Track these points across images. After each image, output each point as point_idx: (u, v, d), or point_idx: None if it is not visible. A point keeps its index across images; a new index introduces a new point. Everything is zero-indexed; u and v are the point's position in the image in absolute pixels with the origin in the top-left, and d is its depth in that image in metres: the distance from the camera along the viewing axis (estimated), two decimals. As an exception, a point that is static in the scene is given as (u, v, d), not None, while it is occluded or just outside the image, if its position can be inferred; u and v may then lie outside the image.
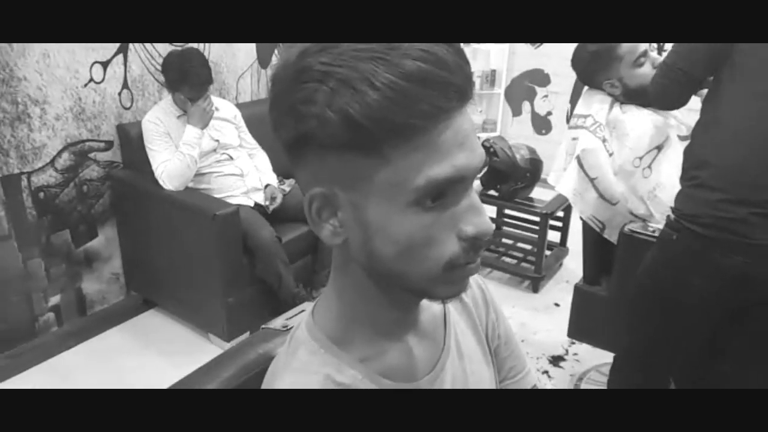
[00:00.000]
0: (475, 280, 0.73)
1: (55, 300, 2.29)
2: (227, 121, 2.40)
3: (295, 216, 2.42)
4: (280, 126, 0.50)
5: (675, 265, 1.25)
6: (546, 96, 3.98)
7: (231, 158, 2.36)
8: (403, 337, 0.60)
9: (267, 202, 2.37)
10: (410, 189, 0.47)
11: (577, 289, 1.78)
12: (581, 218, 1.67)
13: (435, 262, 0.50)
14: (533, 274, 2.66)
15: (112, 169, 2.35)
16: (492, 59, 4.05)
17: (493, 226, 0.52)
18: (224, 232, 2.09)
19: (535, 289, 2.68)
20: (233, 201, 2.25)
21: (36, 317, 2.24)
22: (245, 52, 2.83)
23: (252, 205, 2.33)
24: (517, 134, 4.06)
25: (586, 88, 1.74)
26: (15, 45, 1.97)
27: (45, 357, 2.22)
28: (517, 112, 4.15)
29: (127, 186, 2.32)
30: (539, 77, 3.97)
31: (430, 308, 0.65)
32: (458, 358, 0.65)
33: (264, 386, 0.60)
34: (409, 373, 0.60)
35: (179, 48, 2.28)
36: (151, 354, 2.26)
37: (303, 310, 0.77)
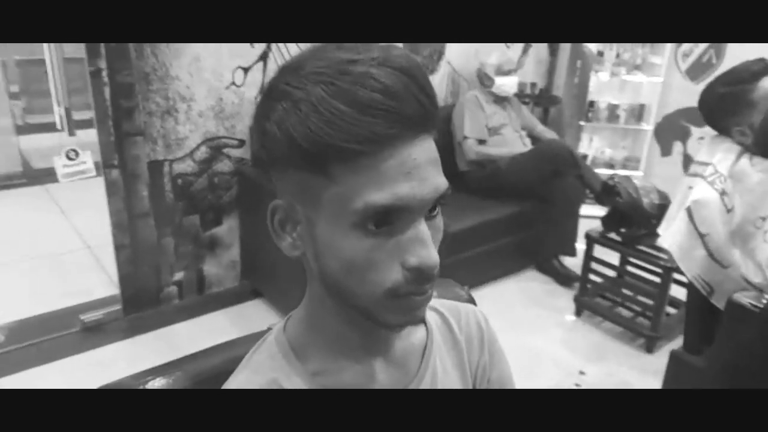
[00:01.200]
0: (476, 318, 0.70)
1: (179, 276, 2.56)
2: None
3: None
4: (254, 135, 0.54)
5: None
6: (702, 138, 3.57)
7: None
8: (366, 359, 0.59)
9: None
10: (350, 211, 0.48)
11: (673, 356, 1.58)
12: (687, 278, 1.49)
13: (377, 287, 0.50)
14: (649, 332, 2.40)
15: (241, 165, 2.57)
16: (643, 93, 3.75)
17: (437, 259, 0.49)
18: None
19: (649, 349, 2.41)
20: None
21: (161, 288, 2.53)
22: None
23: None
24: (663, 176, 3.69)
25: (713, 133, 1.55)
26: (172, 46, 2.26)
27: (163, 324, 2.50)
28: (666, 151, 3.79)
29: (252, 182, 2.53)
30: (697, 117, 3.57)
31: (408, 338, 0.63)
32: None
33: (229, 379, 0.62)
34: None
35: None
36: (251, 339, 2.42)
37: None
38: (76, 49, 2.43)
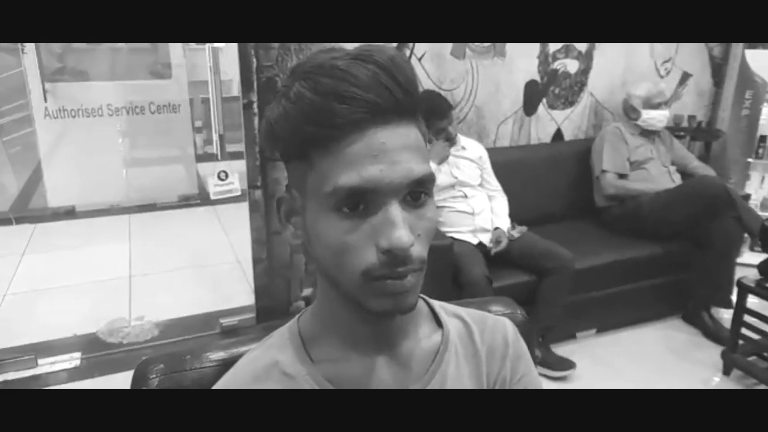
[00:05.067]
0: (504, 331, 0.68)
1: (307, 291, 2.74)
2: (471, 160, 2.51)
3: (519, 263, 2.39)
4: None
5: None
6: None
7: (465, 196, 2.46)
8: (371, 354, 0.61)
9: (491, 244, 2.39)
10: (324, 194, 0.51)
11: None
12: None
13: (354, 269, 0.53)
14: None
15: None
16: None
17: (409, 241, 0.50)
18: (434, 263, 2.19)
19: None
20: (459, 236, 2.35)
21: (291, 301, 2.72)
22: (511, 99, 2.91)
23: (476, 243, 2.38)
24: None
25: None
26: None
27: (289, 336, 2.68)
28: None
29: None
30: None
31: (420, 340, 0.64)
32: None
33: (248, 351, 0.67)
34: (360, 388, 0.60)
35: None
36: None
37: None
38: (237, 89, 2.78)
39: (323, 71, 0.51)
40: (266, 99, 2.43)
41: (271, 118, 0.54)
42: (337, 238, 0.52)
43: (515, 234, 2.47)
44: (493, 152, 2.64)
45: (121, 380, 2.22)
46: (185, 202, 4.43)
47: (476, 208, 2.45)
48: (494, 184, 2.59)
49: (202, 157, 4.78)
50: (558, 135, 3.08)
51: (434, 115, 2.36)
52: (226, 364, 0.68)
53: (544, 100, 2.99)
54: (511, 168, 2.76)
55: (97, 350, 2.45)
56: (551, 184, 2.94)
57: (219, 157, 2.44)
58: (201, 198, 4.44)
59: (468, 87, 2.78)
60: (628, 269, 2.61)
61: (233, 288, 3.07)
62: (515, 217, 2.56)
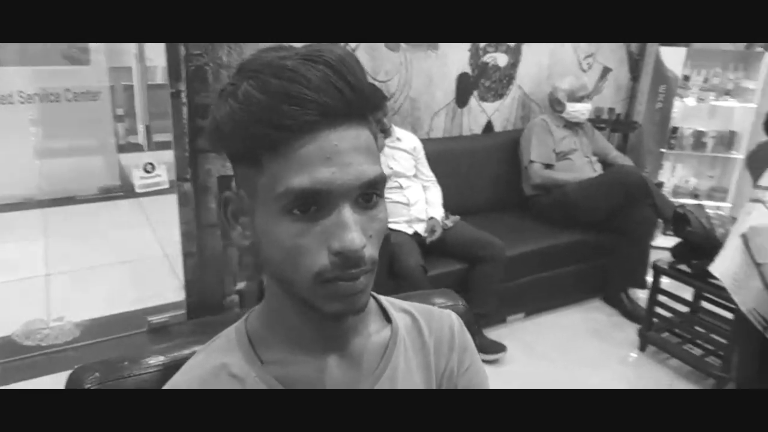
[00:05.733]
0: (450, 322, 0.70)
1: (241, 285, 2.68)
2: (406, 151, 2.54)
3: (453, 252, 2.44)
4: None
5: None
6: (801, 168, 3.27)
7: (401, 187, 2.49)
8: (321, 354, 0.61)
9: (426, 234, 2.43)
10: (275, 196, 0.50)
11: (726, 396, 1.44)
12: (740, 310, 1.36)
13: (306, 272, 0.52)
14: (719, 373, 2.20)
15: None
16: (734, 119, 3.50)
17: (361, 243, 0.50)
18: (371, 253, 2.21)
19: (720, 391, 2.21)
20: (394, 227, 2.37)
21: (224, 296, 2.65)
22: (444, 91, 2.96)
23: (411, 233, 2.42)
24: (755, 209, 3.41)
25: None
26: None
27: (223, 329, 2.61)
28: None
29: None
30: (796, 145, 3.28)
31: (370, 336, 0.64)
32: None
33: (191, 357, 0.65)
34: (312, 388, 0.60)
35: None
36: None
37: None
38: (162, 76, 2.67)
39: (272, 71, 0.49)
40: (195, 88, 2.34)
41: (218, 117, 0.52)
42: (289, 240, 0.51)
43: (449, 223, 2.52)
44: (427, 143, 2.67)
45: (41, 386, 2.09)
46: (106, 194, 4.20)
47: (411, 198, 2.49)
48: (428, 174, 2.63)
49: (125, 148, 4.54)
50: (489, 126, 3.17)
51: (369, 107, 2.36)
52: (167, 369, 0.66)
53: (476, 93, 3.06)
54: (445, 159, 2.81)
55: (12, 354, 2.30)
56: (482, 174, 3.02)
57: (145, 148, 2.33)
58: (124, 190, 4.23)
59: (402, 78, 2.80)
60: (554, 255, 2.73)
61: (161, 284, 2.95)
62: (448, 207, 2.61)
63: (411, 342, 0.67)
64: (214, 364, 0.60)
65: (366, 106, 0.53)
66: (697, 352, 2.38)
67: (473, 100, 3.07)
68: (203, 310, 2.62)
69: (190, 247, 2.53)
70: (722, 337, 2.27)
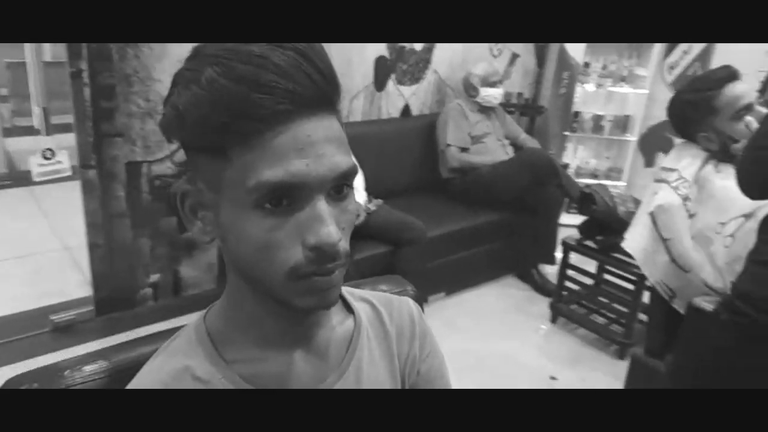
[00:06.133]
0: (409, 310, 0.70)
1: (154, 278, 2.54)
2: (327, 136, 2.51)
3: (378, 235, 2.46)
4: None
5: (724, 352, 1.06)
6: (685, 149, 3.60)
7: (323, 171, 2.46)
8: (286, 349, 0.59)
9: (349, 218, 2.43)
10: (245, 190, 0.48)
11: (635, 360, 1.58)
12: (649, 282, 1.49)
13: (279, 268, 0.50)
14: (622, 339, 2.40)
15: (220, 168, 2.57)
16: (628, 104, 3.78)
17: (337, 237, 0.49)
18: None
19: (621, 355, 2.41)
20: (317, 212, 2.34)
21: (136, 289, 2.51)
22: (362, 74, 2.95)
23: (334, 218, 2.40)
24: (645, 186, 3.71)
25: (680, 140, 1.56)
26: (155, 49, 2.26)
27: (137, 326, 2.47)
28: (649, 162, 3.81)
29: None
30: (680, 128, 3.61)
31: (334, 328, 0.63)
32: (355, 384, 0.62)
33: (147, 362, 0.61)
34: (280, 385, 0.58)
35: None
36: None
37: None
38: (58, 53, 2.43)
39: (238, 57, 0.46)
40: (98, 68, 2.17)
41: (180, 105, 0.48)
42: (260, 235, 0.49)
43: (372, 207, 2.53)
44: (346, 127, 2.62)
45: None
46: (-8, 183, 3.83)
47: (333, 183, 2.46)
48: (349, 158, 2.61)
49: (13, 131, 4.14)
50: (406, 110, 3.20)
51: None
52: (113, 375, 0.61)
53: (393, 76, 3.07)
54: (364, 142, 2.81)
55: None
56: (401, 157, 3.05)
57: (43, 132, 2.11)
58: (12, 178, 3.86)
59: (319, 60, 2.75)
60: (471, 236, 2.83)
61: (63, 279, 2.74)
62: (370, 191, 2.62)
63: (374, 332, 0.66)
64: (175, 367, 0.56)
65: (336, 94, 0.51)
66: (602, 321, 2.57)
67: (391, 84, 3.08)
68: (113, 305, 2.47)
69: (97, 239, 2.36)
70: (623, 306, 2.47)
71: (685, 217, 1.39)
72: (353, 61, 2.87)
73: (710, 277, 1.35)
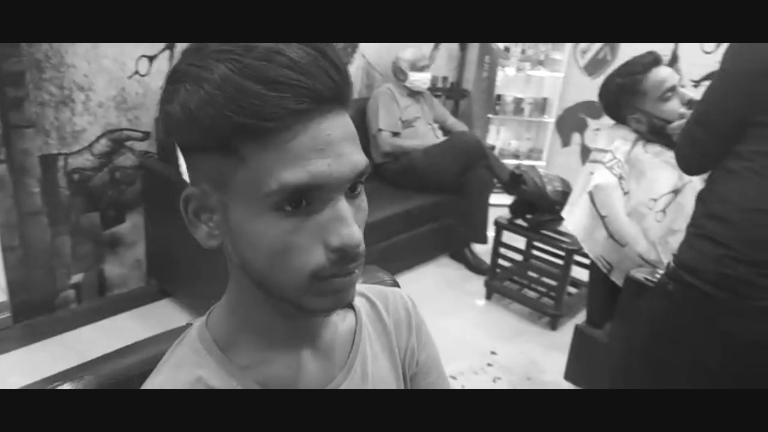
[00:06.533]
0: (404, 302, 0.70)
1: (77, 278, 2.38)
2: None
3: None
4: (157, 126, 0.51)
5: (668, 319, 1.15)
6: (598, 129, 3.83)
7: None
8: (293, 350, 0.57)
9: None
10: (264, 192, 0.46)
11: (578, 331, 1.68)
12: (589, 257, 1.59)
13: (300, 271, 0.48)
14: (553, 311, 2.54)
15: (146, 158, 2.43)
16: (545, 87, 3.96)
17: (360, 237, 0.48)
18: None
19: (554, 326, 2.56)
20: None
21: (57, 292, 2.34)
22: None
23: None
24: (563, 165, 3.92)
25: (612, 122, 1.66)
26: (66, 33, 2.09)
27: (61, 331, 2.31)
28: (566, 142, 4.02)
29: (158, 176, 2.40)
30: (593, 109, 3.83)
31: (336, 326, 0.62)
32: (361, 380, 0.62)
33: (149, 378, 0.58)
34: (291, 387, 0.57)
35: None
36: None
37: None
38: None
39: (252, 53, 0.44)
40: (3, 53, 1.97)
41: (190, 103, 0.45)
42: (279, 238, 0.47)
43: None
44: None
45: None
46: None
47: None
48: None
49: None
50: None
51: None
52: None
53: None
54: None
55: None
56: (333, 143, 3.02)
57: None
58: None
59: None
60: (405, 219, 2.88)
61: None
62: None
63: (373, 327, 0.66)
64: (188, 379, 0.53)
65: (350, 90, 0.50)
66: (534, 295, 2.71)
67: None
68: (32, 310, 2.29)
69: (11, 240, 2.17)
70: (553, 279, 2.62)
71: (621, 195, 1.49)
72: (281, 45, 2.79)
73: (644, 249, 1.46)
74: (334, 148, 0.47)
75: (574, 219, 1.55)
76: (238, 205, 0.48)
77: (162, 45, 2.36)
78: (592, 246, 1.54)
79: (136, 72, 2.32)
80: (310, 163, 0.45)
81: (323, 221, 0.47)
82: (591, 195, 1.51)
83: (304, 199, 0.47)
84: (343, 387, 0.60)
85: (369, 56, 3.27)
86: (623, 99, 1.54)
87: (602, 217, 1.50)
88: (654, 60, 1.52)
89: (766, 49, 0.98)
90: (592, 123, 3.86)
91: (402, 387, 0.68)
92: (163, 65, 2.38)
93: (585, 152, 3.93)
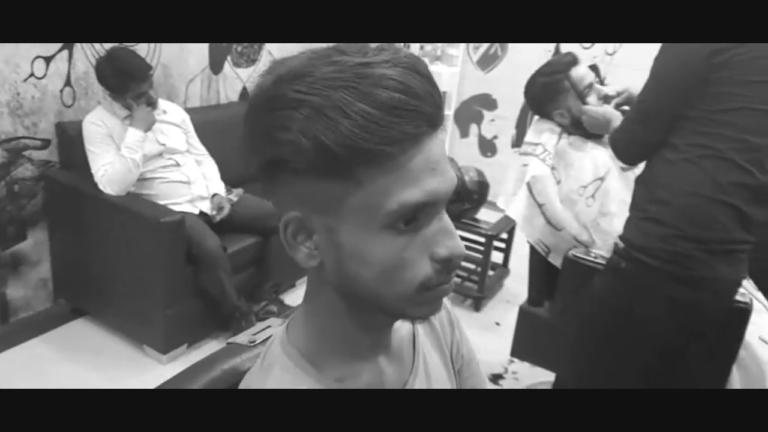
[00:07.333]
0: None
1: (-8, 293, 2.13)
2: (175, 125, 2.33)
3: (242, 227, 2.38)
4: (255, 151, 0.52)
5: (621, 293, 1.31)
6: (493, 120, 4.10)
7: (178, 164, 2.28)
8: (373, 358, 0.60)
9: (214, 212, 2.31)
10: (383, 213, 0.48)
11: (522, 311, 1.83)
12: (528, 242, 1.73)
13: (408, 284, 0.51)
14: (476, 294, 2.71)
15: (47, 168, 2.22)
16: (444, 82, 4.14)
17: (463, 246, 0.53)
18: (169, 241, 2.01)
19: (477, 308, 2.73)
20: (177, 209, 2.18)
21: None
22: (196, 56, 2.76)
23: (197, 213, 2.26)
24: (464, 155, 4.15)
25: (536, 117, 1.81)
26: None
27: (-40, 366, 2.06)
28: (464, 134, 4.25)
29: (63, 187, 2.20)
30: (487, 102, 4.09)
31: (399, 330, 0.65)
32: (426, 379, 0.66)
33: None
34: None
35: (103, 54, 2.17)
36: (80, 365, 2.13)
37: (269, 326, 0.76)
38: None
39: (373, 80, 0.46)
40: None
41: (314, 131, 0.46)
42: (393, 255, 0.50)
43: (233, 198, 2.43)
44: (188, 113, 2.48)
45: None
46: None
47: (191, 176, 2.31)
48: (200, 148, 2.47)
49: None
50: (245, 93, 3.09)
51: (133, 78, 2.08)
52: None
53: (229, 58, 2.93)
54: (207, 129, 2.65)
55: None
56: (247, 143, 2.94)
57: None
58: None
59: (151, 44, 2.51)
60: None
61: None
62: (226, 180, 2.51)
63: (422, 327, 0.71)
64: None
65: (444, 110, 0.53)
66: (457, 279, 2.86)
67: (227, 66, 2.94)
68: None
69: None
70: (473, 264, 2.78)
71: (555, 184, 1.64)
72: (185, 43, 2.67)
73: (577, 232, 1.62)
74: (441, 167, 0.50)
75: (515, 208, 1.68)
76: (349, 227, 0.50)
77: (59, 45, 2.16)
78: (531, 231, 1.68)
79: (32, 74, 2.10)
80: (424, 182, 0.48)
81: (430, 235, 0.51)
82: (529, 185, 1.65)
83: (416, 217, 0.50)
84: (416, 387, 0.64)
85: (275, 52, 3.22)
86: (547, 96, 1.69)
87: (540, 206, 1.64)
88: (573, 59, 1.68)
89: (696, 48, 1.15)
90: (487, 115, 4.12)
91: (453, 380, 0.72)
92: (61, 66, 2.19)
93: (482, 142, 4.19)
